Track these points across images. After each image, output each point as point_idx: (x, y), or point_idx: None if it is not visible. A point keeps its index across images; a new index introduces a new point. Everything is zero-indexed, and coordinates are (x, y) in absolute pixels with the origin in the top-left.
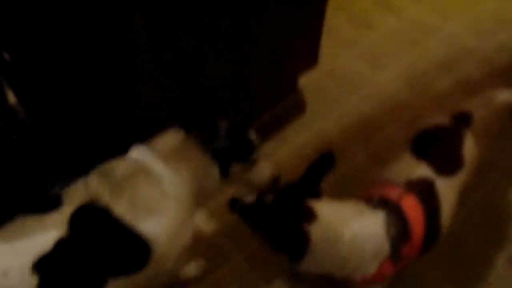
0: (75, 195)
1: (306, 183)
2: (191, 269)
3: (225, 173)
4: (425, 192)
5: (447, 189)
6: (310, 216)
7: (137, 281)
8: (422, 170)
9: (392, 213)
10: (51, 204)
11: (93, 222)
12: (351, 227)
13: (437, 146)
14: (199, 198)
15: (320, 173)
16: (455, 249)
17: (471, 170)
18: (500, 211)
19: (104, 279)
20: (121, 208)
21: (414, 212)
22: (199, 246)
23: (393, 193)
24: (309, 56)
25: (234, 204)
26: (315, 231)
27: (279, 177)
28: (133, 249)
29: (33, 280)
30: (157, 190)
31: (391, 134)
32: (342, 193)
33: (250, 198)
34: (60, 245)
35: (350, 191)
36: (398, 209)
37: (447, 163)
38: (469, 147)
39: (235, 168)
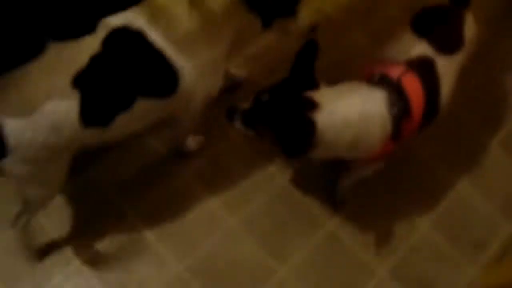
0: (111, 22)
1: (297, 75)
2: (191, 142)
3: (266, 24)
4: (425, 70)
5: (447, 68)
6: (312, 105)
7: (161, 109)
8: (422, 49)
9: (392, 91)
10: (87, 30)
11: (127, 42)
12: (355, 109)
13: (437, 25)
14: (236, 45)
15: (309, 62)
16: (450, 131)
17: (471, 50)
18: (496, 96)
19: (134, 96)
20: (155, 35)
21: (414, 90)
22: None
23: (393, 71)
24: None
25: (232, 113)
26: (321, 118)
27: (317, 26)
28: (163, 73)
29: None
30: (194, 25)
31: (392, 14)
32: (344, 75)
33: (246, 104)
34: (94, 60)
35: (351, 72)
36: (399, 87)
37: (448, 42)
38: (469, 27)
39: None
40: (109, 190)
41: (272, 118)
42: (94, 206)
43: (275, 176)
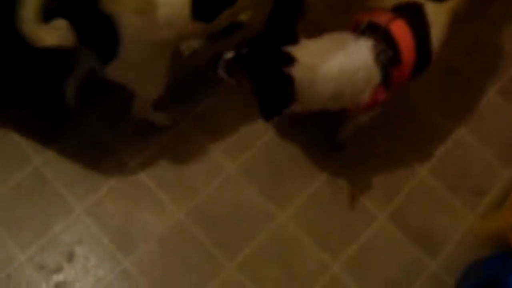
0: None
1: (275, 29)
2: (162, 118)
3: None
4: (414, 16)
5: (437, 14)
6: (289, 60)
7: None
8: None
9: (380, 38)
10: None
11: None
12: (335, 62)
13: None
14: None
15: (287, 16)
16: (448, 79)
17: None
18: (494, 44)
19: None
20: None
21: (403, 36)
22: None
23: (381, 18)
24: None
25: (216, 62)
26: (298, 73)
27: None
28: None
29: None
30: None
31: None
32: (332, 25)
33: (229, 54)
34: None
35: (339, 21)
36: (387, 33)
37: None
38: None
39: None
40: (109, 139)
41: (249, 71)
42: (93, 155)
43: (273, 123)
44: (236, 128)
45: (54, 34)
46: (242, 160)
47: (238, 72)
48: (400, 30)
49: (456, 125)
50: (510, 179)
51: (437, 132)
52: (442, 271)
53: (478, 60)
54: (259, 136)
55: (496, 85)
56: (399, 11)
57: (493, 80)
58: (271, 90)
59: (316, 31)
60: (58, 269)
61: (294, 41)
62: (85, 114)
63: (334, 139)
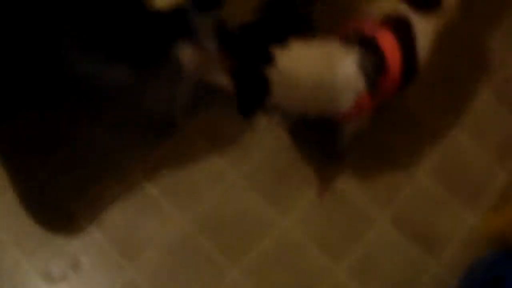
0: None
1: (268, 23)
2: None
3: None
4: (401, 27)
5: (423, 25)
6: (269, 59)
7: None
8: (398, 6)
9: (366, 47)
10: None
11: None
12: (314, 69)
13: None
14: None
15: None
16: (443, 82)
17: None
18: (487, 46)
19: None
20: None
21: (390, 45)
22: None
23: (368, 28)
24: None
25: (218, 31)
26: (275, 76)
27: None
28: None
29: None
30: None
31: None
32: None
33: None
34: None
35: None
36: (373, 42)
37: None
38: None
39: None
40: (112, 148)
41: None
42: (96, 164)
43: (275, 130)
44: (240, 136)
45: None
46: (245, 167)
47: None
48: (387, 41)
49: (452, 127)
50: (508, 179)
51: (434, 134)
52: (445, 272)
53: (472, 62)
54: (262, 143)
55: (490, 87)
56: (386, 23)
57: (487, 81)
58: (247, 86)
59: None
60: (63, 278)
61: (284, 41)
62: (87, 123)
63: (334, 147)
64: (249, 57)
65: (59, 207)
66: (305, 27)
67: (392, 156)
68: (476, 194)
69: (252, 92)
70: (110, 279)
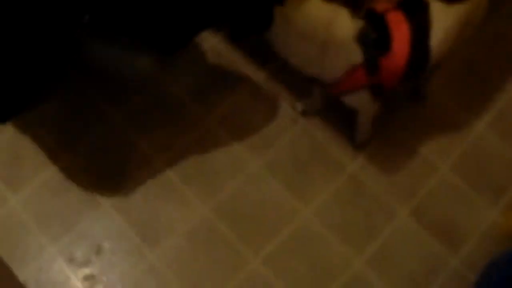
0: None
1: None
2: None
3: None
4: (416, 10)
5: (442, 14)
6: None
7: None
8: None
9: (372, 22)
10: None
11: None
12: (314, 21)
13: None
14: None
15: None
16: (468, 75)
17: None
18: None
19: None
20: None
21: (399, 26)
22: None
23: (380, 6)
24: None
25: None
26: (279, 16)
27: None
28: None
29: None
30: None
31: None
32: None
33: None
34: None
35: None
36: (381, 20)
37: None
38: None
39: None
40: (134, 136)
41: None
42: (119, 152)
43: (297, 120)
44: (260, 126)
45: None
46: (267, 157)
47: None
48: (396, 20)
49: (476, 121)
50: None
51: (457, 128)
52: (464, 266)
53: (498, 56)
54: (283, 133)
55: None
56: (402, 4)
57: None
58: (250, 13)
59: None
60: (87, 262)
61: None
62: (110, 112)
63: (354, 138)
64: None
65: (82, 193)
66: None
67: (414, 149)
68: (498, 191)
69: (252, 21)
70: (131, 264)
